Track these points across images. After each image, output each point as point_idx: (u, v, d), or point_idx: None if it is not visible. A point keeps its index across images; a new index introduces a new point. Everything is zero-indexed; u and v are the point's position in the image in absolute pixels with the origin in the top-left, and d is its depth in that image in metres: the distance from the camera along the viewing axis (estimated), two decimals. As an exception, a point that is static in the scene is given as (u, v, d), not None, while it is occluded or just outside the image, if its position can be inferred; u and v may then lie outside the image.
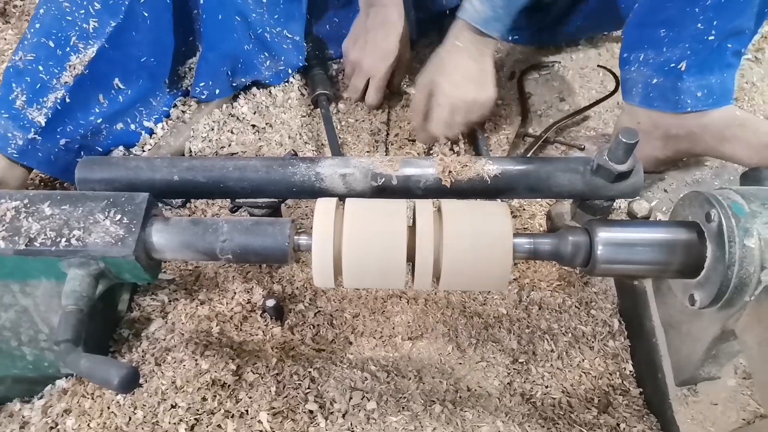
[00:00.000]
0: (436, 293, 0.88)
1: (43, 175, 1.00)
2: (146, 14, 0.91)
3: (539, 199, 1.00)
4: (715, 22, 0.77)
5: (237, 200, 0.74)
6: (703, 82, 0.83)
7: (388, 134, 1.12)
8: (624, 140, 0.63)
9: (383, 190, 0.70)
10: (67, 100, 0.86)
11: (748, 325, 0.57)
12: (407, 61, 1.08)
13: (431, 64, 0.97)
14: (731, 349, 0.65)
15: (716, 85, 0.83)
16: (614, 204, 0.76)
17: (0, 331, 0.69)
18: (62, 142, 0.88)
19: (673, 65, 0.82)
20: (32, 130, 0.84)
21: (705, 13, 0.77)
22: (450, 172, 0.69)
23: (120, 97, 0.95)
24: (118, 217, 0.63)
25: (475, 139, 1.06)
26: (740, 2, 0.77)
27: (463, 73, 0.92)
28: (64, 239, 0.61)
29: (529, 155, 1.05)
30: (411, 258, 0.61)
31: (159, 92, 1.04)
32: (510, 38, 1.27)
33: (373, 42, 1.05)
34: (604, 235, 0.61)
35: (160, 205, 0.70)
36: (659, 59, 0.83)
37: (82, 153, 0.92)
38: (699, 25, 0.78)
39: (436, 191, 0.70)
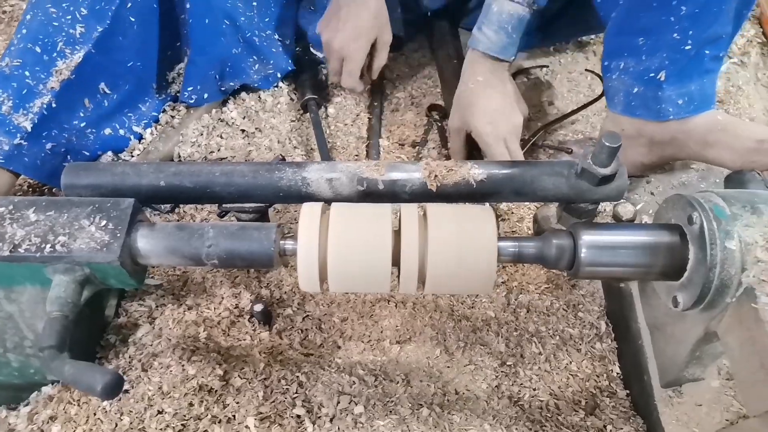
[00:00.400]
0: (424, 297, 0.89)
1: (31, 181, 0.99)
2: (133, 19, 0.91)
3: (527, 202, 1.00)
4: (690, 32, 0.78)
5: (224, 205, 0.74)
6: (683, 90, 0.83)
7: (378, 136, 1.12)
8: (607, 144, 0.63)
9: (369, 195, 0.70)
10: (54, 105, 0.86)
11: (730, 327, 0.58)
12: (385, 44, 1.03)
13: (458, 106, 0.96)
14: (714, 351, 0.65)
15: (696, 91, 0.83)
16: (600, 207, 0.77)
17: (-15, 338, 0.69)
18: (48, 146, 0.88)
19: (652, 75, 0.83)
20: (18, 135, 0.84)
21: (680, 23, 0.77)
22: (436, 176, 0.69)
23: (106, 101, 0.95)
24: (104, 222, 0.62)
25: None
26: (714, 11, 0.77)
27: (494, 107, 0.92)
28: (49, 245, 0.61)
29: (517, 159, 1.06)
30: (396, 262, 0.61)
31: (147, 97, 1.04)
32: None
33: (345, 20, 1.00)
34: (587, 238, 0.62)
35: (147, 210, 0.70)
36: (639, 68, 0.84)
37: (68, 157, 0.91)
38: (675, 35, 0.78)
39: (422, 195, 0.70)
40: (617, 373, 0.82)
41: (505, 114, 0.93)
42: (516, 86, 0.97)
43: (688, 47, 0.79)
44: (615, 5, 0.83)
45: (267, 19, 1.07)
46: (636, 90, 0.85)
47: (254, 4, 1.04)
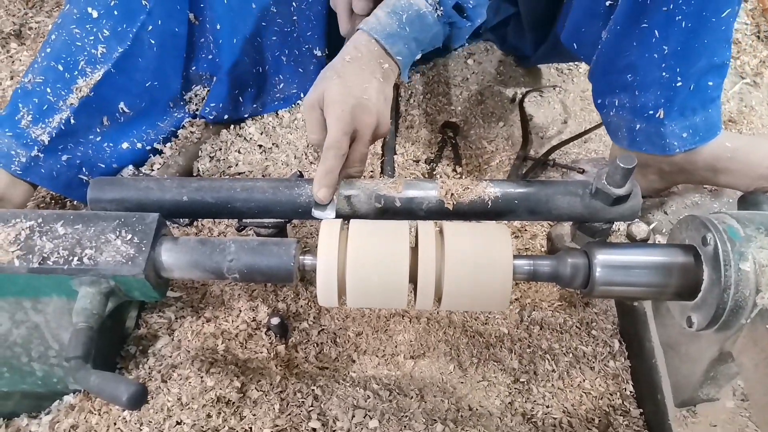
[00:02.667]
0: (438, 312, 0.89)
1: (53, 194, 1.02)
2: (153, 42, 0.94)
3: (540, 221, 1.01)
4: (678, 69, 0.75)
5: (244, 220, 0.76)
6: (686, 123, 0.81)
7: (393, 153, 1.14)
8: (622, 165, 0.64)
9: (387, 212, 0.72)
10: (72, 121, 0.88)
11: (745, 348, 0.58)
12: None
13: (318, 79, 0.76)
14: (729, 371, 0.66)
15: (701, 123, 0.81)
16: (614, 226, 0.78)
17: (11, 347, 0.71)
18: (64, 158, 0.90)
19: (651, 112, 0.80)
20: (36, 148, 0.86)
21: (666, 61, 0.75)
22: (452, 194, 0.71)
23: (123, 118, 0.97)
24: (129, 236, 0.64)
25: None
26: (696, 46, 0.73)
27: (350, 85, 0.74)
28: (76, 258, 0.63)
29: (529, 178, 1.07)
30: (413, 279, 0.62)
31: (165, 114, 1.06)
32: (515, 54, 1.29)
33: None
34: (602, 257, 0.63)
35: (168, 224, 0.72)
36: (635, 103, 0.81)
37: (84, 170, 0.93)
38: (663, 73, 0.76)
39: (438, 213, 0.71)
40: (630, 392, 0.82)
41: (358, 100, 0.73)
42: (389, 98, 0.78)
43: (679, 84, 0.76)
44: (594, 48, 0.82)
45: (309, 33, 1.06)
46: (638, 127, 0.83)
47: (294, 18, 1.04)
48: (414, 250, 0.63)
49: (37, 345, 0.71)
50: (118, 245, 0.64)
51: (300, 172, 1.02)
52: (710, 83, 0.79)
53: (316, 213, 0.71)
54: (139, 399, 0.54)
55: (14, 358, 0.72)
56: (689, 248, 0.62)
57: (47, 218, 0.66)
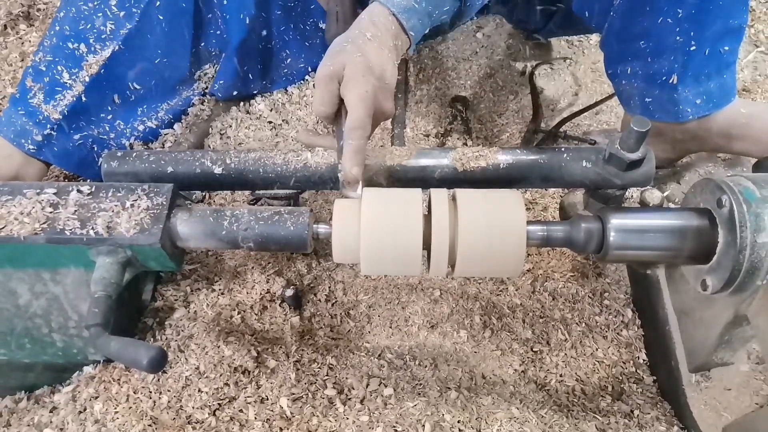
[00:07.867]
0: (450, 283, 0.90)
1: (66, 173, 1.03)
2: (161, 18, 0.93)
3: (551, 192, 1.01)
4: (692, 33, 0.74)
5: (256, 192, 0.76)
6: (700, 89, 0.80)
7: (403, 127, 1.13)
8: (636, 129, 0.64)
9: (399, 180, 0.72)
10: (83, 98, 0.88)
11: (761, 309, 0.58)
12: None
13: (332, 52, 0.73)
14: (744, 335, 0.66)
15: (715, 89, 0.80)
16: (627, 193, 0.77)
17: (31, 318, 0.72)
18: (77, 137, 0.90)
19: (664, 78, 0.79)
20: (48, 126, 0.86)
21: (680, 25, 0.74)
22: (464, 162, 0.70)
23: (134, 96, 0.97)
24: (145, 206, 0.65)
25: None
26: (711, 9, 0.72)
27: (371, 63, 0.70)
28: (92, 228, 0.63)
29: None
30: (427, 246, 0.62)
31: (176, 92, 1.06)
32: (525, 27, 1.27)
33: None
34: (616, 221, 0.62)
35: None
36: (648, 71, 0.80)
37: (95, 148, 0.94)
38: (677, 37, 0.75)
39: (450, 181, 0.71)
40: (644, 360, 0.83)
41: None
42: (395, 80, 0.74)
43: (693, 48, 0.75)
44: (605, 16, 0.81)
45: (313, 6, 1.06)
46: (651, 94, 0.82)
47: None
48: (427, 217, 0.63)
49: (57, 316, 0.72)
50: (134, 215, 0.64)
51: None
52: (726, 48, 0.77)
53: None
54: (159, 362, 0.55)
55: (35, 329, 0.73)
56: (704, 211, 0.62)
57: (63, 189, 0.66)
